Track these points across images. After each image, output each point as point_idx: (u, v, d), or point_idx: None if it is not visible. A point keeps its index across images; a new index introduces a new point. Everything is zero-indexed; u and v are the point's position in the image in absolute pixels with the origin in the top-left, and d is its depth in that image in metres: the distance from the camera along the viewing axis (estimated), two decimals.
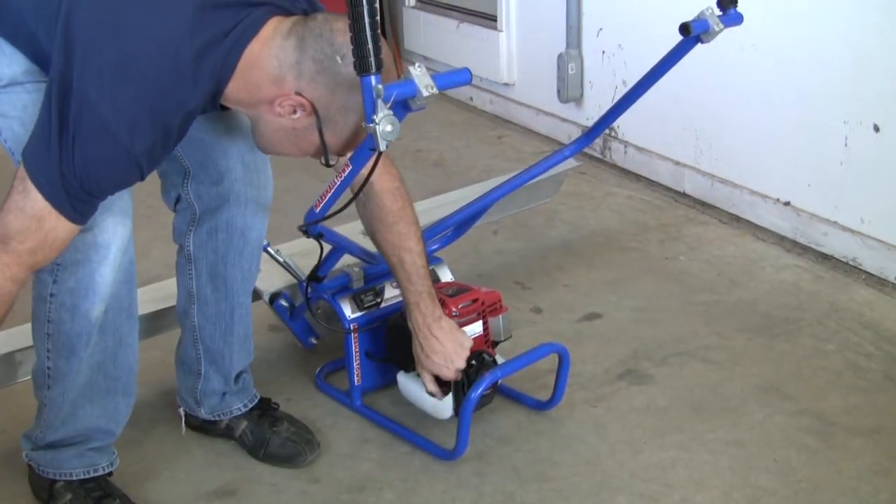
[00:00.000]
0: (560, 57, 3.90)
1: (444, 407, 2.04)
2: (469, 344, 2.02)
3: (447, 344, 2.00)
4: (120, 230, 1.69)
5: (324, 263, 2.13)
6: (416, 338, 2.01)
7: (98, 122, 1.49)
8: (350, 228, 2.50)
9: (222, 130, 1.89)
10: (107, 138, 1.50)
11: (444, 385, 2.04)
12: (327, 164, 1.65)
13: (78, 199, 1.54)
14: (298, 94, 1.57)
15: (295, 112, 1.59)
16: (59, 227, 1.56)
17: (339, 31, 1.56)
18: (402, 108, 1.50)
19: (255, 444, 2.09)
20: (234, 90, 1.59)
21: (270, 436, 2.08)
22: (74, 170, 1.50)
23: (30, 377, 1.86)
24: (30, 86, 1.64)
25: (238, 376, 2.11)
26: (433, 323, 2.00)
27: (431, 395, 2.04)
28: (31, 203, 1.53)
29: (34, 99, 1.63)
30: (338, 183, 1.81)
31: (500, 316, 2.14)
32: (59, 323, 1.72)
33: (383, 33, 1.76)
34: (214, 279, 1.99)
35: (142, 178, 1.59)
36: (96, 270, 1.68)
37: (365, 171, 1.71)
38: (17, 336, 2.07)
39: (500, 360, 2.10)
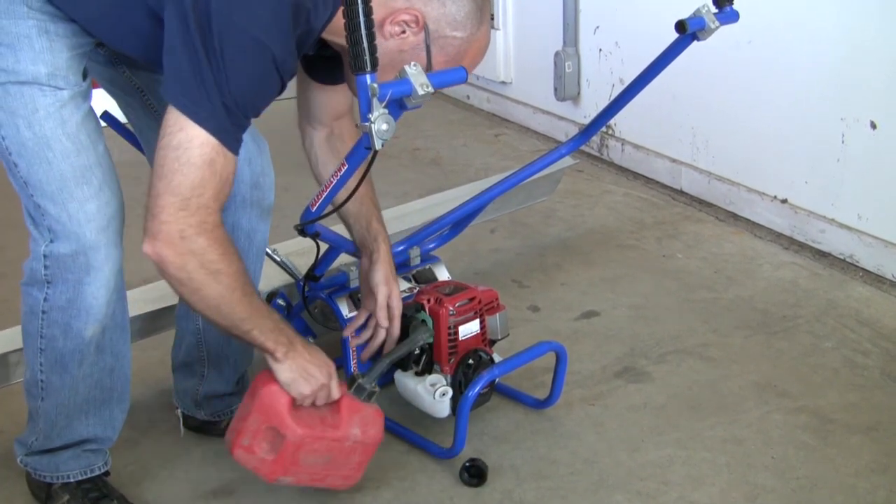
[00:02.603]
0: (557, 55, 3.89)
1: (441, 406, 2.04)
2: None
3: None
4: (114, 252, 1.68)
5: (321, 262, 2.12)
6: (385, 268, 2.03)
7: (248, 40, 1.48)
8: None
9: None
10: (259, 54, 1.49)
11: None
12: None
13: (239, 126, 1.54)
14: (409, 9, 1.58)
15: (404, 31, 1.59)
16: (226, 163, 1.54)
17: None
18: (397, 106, 1.50)
19: None
20: None
21: None
22: (231, 95, 1.49)
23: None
24: (48, 90, 1.60)
25: (239, 378, 2.10)
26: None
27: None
28: (199, 150, 1.51)
29: (49, 105, 1.60)
30: (334, 182, 1.80)
31: (498, 314, 2.13)
32: (51, 339, 1.72)
33: None
34: None
35: (280, 92, 1.59)
36: (89, 292, 1.67)
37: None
38: (12, 337, 2.06)
39: (497, 358, 2.10)
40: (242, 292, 1.62)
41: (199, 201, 1.52)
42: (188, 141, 1.50)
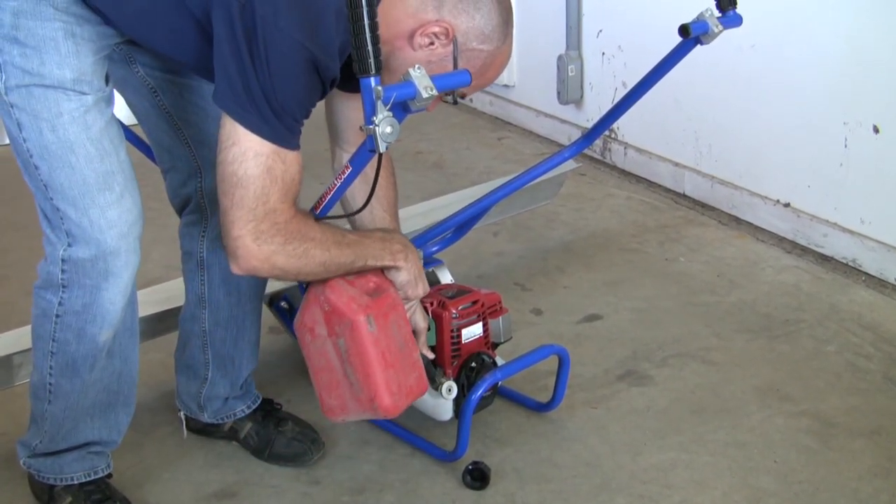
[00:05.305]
0: (560, 58, 3.90)
1: (444, 408, 2.04)
2: None
3: None
4: (133, 258, 1.69)
5: None
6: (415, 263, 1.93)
7: (293, 45, 1.48)
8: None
9: None
10: (302, 59, 1.50)
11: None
12: (454, 102, 1.65)
13: (290, 128, 1.55)
14: (440, 21, 1.58)
15: (433, 43, 1.59)
16: (287, 166, 1.55)
17: None
18: (401, 109, 1.50)
19: (260, 445, 2.09)
20: None
21: (276, 436, 2.07)
22: (277, 100, 1.50)
23: (28, 380, 1.86)
24: (73, 95, 1.58)
25: (244, 381, 2.11)
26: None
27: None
28: (254, 161, 1.52)
29: (73, 110, 1.59)
30: (338, 185, 1.80)
31: (501, 318, 2.13)
32: (64, 343, 1.71)
33: None
34: (227, 284, 1.99)
35: (323, 97, 1.61)
36: (106, 298, 1.67)
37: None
38: (16, 339, 2.07)
39: (500, 361, 2.10)
40: (337, 245, 1.66)
41: (265, 208, 1.54)
42: (242, 154, 1.52)
